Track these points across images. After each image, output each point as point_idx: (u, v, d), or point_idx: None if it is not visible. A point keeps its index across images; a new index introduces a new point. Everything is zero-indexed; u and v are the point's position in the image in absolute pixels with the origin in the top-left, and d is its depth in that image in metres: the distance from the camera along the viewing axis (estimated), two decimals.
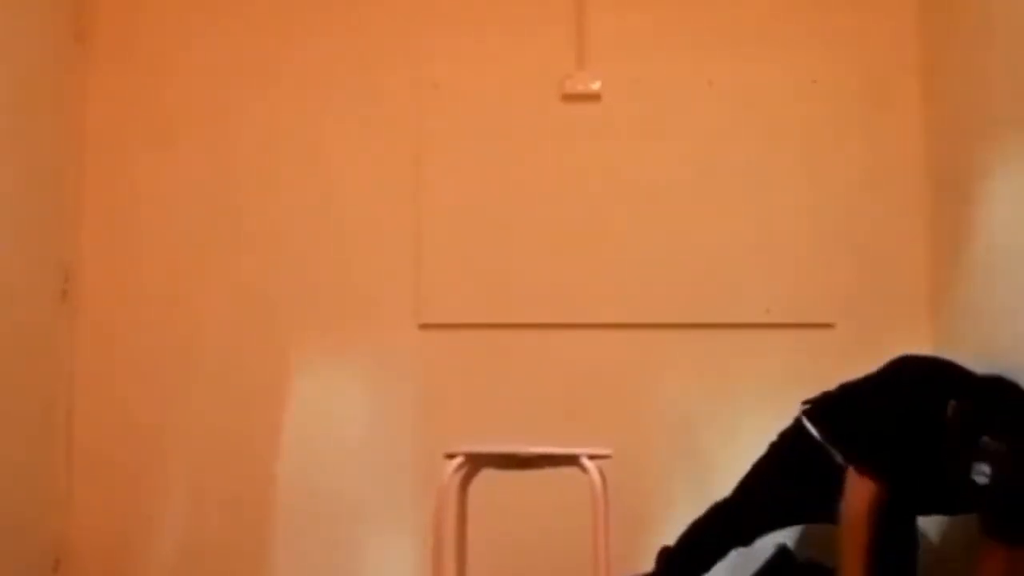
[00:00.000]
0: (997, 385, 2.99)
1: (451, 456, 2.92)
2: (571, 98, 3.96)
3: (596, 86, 3.96)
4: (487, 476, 3.10)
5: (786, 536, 3.53)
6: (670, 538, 3.38)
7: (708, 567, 3.29)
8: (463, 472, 3.03)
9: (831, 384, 3.32)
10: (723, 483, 3.34)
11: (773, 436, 3.33)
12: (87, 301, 3.89)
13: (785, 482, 3.25)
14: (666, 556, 3.36)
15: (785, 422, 3.32)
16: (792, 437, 3.27)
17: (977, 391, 2.97)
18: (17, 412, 3.50)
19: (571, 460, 2.85)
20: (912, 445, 2.97)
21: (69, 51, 3.88)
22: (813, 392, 3.33)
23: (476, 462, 3.01)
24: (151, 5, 4.06)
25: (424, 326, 3.88)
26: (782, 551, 3.51)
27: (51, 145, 3.80)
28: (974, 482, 2.80)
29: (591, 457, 2.84)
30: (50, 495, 3.72)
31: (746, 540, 3.34)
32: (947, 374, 3.10)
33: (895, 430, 3.01)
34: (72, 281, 3.86)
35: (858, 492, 2.99)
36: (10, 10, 3.48)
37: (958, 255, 3.63)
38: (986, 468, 2.75)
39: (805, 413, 3.27)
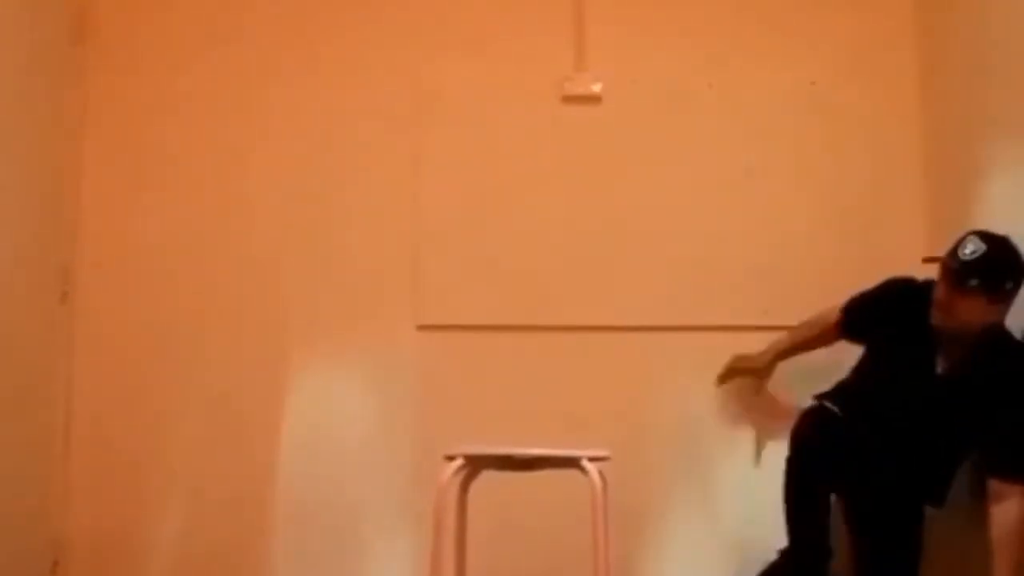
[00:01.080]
0: None
1: (450, 458, 2.91)
2: (571, 100, 3.96)
3: (596, 88, 3.95)
4: (487, 477, 3.10)
5: None
6: (670, 538, 3.37)
7: (824, 518, 3.18)
8: (463, 474, 3.03)
9: (829, 386, 3.32)
10: (722, 484, 3.34)
11: (771, 438, 3.32)
12: (86, 303, 3.89)
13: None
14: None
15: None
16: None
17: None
18: (16, 413, 3.49)
19: (571, 462, 2.84)
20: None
21: (68, 53, 3.87)
22: (810, 393, 3.33)
23: (476, 464, 3.01)
24: (151, 8, 4.05)
25: (423, 327, 3.88)
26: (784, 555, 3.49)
27: (51, 147, 3.79)
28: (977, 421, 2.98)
29: (591, 459, 2.84)
30: (49, 495, 3.71)
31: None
32: None
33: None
34: (71, 283, 3.86)
35: None
36: (9, 11, 3.48)
37: None
38: (971, 244, 2.98)
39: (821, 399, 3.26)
